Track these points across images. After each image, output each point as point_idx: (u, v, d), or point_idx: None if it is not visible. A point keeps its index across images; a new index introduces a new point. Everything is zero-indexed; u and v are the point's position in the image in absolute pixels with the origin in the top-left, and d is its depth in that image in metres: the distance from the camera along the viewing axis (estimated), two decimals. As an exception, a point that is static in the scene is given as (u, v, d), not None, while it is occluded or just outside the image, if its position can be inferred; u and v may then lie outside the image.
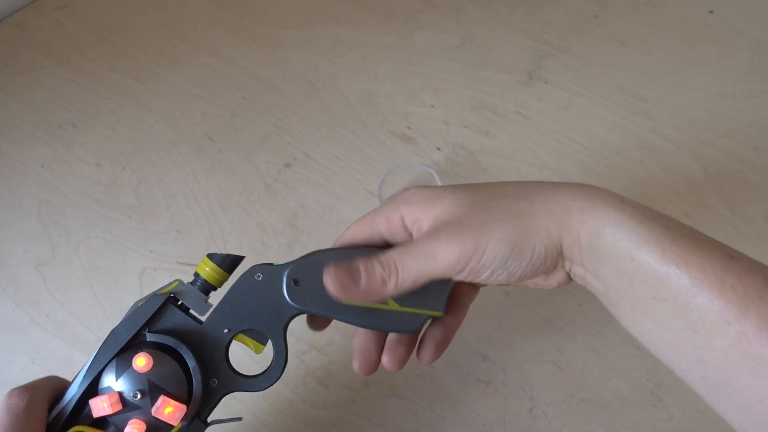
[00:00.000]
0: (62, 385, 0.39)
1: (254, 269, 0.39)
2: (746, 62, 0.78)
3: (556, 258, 0.38)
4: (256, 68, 0.78)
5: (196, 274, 0.40)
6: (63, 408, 0.37)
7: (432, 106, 0.75)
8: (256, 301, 0.39)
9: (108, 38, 0.82)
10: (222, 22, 0.83)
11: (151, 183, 0.69)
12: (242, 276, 0.39)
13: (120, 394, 0.36)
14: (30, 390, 0.37)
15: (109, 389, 0.37)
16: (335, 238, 0.44)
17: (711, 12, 0.83)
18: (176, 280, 0.40)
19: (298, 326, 0.60)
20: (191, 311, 0.40)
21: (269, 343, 0.41)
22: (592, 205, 0.38)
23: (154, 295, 0.39)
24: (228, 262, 0.40)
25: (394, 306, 0.40)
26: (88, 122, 0.74)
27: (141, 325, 0.38)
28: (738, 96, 0.75)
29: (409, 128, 0.73)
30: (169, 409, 0.36)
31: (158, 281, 0.63)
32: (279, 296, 0.39)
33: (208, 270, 0.40)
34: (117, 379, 0.36)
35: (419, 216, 0.39)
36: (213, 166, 0.71)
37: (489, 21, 0.83)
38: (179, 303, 0.40)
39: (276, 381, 0.40)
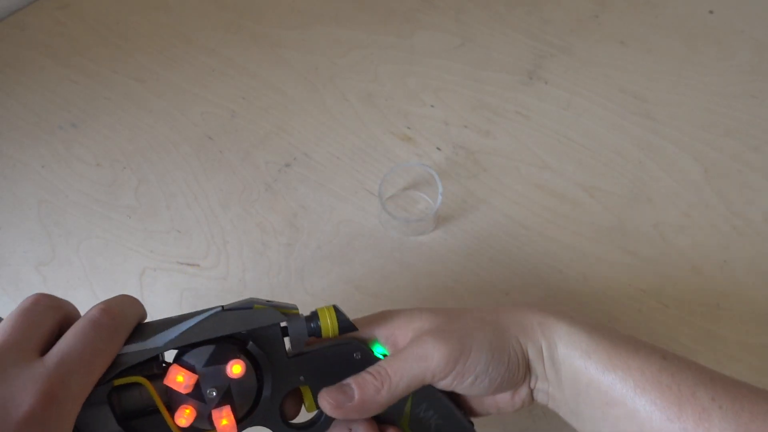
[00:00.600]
0: (141, 318, 0.38)
1: (357, 347, 0.40)
2: (746, 62, 0.78)
3: (525, 369, 0.40)
4: (256, 68, 0.78)
5: (315, 316, 0.40)
6: (139, 351, 0.35)
7: (432, 106, 0.75)
8: (339, 371, 0.40)
9: (108, 38, 0.82)
10: (222, 22, 0.83)
11: (151, 183, 0.69)
12: (345, 345, 0.40)
13: (198, 379, 0.35)
14: (119, 317, 0.36)
15: (191, 367, 0.36)
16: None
17: (711, 12, 0.83)
18: (296, 308, 0.40)
19: (298, 326, 0.60)
20: (286, 340, 0.39)
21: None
22: (547, 320, 0.41)
23: (274, 307, 0.38)
24: (345, 326, 0.40)
25: None
26: (88, 122, 0.74)
27: (249, 329, 0.37)
28: (738, 96, 0.75)
29: (409, 128, 0.73)
30: (224, 422, 0.36)
31: (158, 281, 0.63)
32: (352, 366, 0.40)
33: (328, 322, 0.40)
34: (204, 366, 0.36)
35: (394, 332, 0.42)
36: (213, 166, 0.71)
37: (489, 21, 0.83)
38: (283, 326, 0.39)
39: None
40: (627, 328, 0.60)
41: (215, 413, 0.36)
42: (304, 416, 0.42)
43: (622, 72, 0.78)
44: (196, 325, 0.36)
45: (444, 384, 0.40)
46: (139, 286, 0.63)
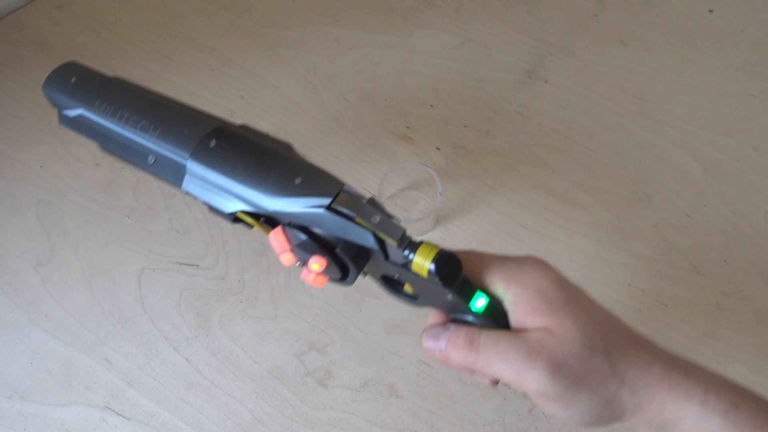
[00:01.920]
0: None
1: (446, 293, 0.38)
2: (746, 62, 0.78)
3: (619, 414, 0.36)
4: (255, 68, 0.78)
5: (414, 250, 0.38)
6: (256, 204, 0.39)
7: (432, 106, 0.75)
8: (434, 295, 0.39)
9: (106, 38, 0.81)
10: (221, 21, 0.83)
11: (150, 183, 0.69)
12: (439, 289, 0.38)
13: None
14: None
15: (288, 239, 0.39)
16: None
17: (711, 12, 0.83)
18: (404, 229, 0.39)
19: (298, 326, 0.60)
20: (388, 249, 0.39)
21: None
22: (677, 399, 0.36)
23: (382, 223, 0.38)
24: (442, 275, 0.38)
25: None
26: (86, 122, 0.74)
27: (339, 238, 0.39)
28: (738, 96, 0.75)
29: (408, 128, 0.73)
30: (315, 266, 0.39)
31: (157, 281, 0.63)
32: (448, 304, 0.39)
33: (423, 262, 0.37)
34: (295, 247, 0.39)
35: (529, 297, 0.38)
36: (212, 166, 0.71)
37: (488, 20, 0.83)
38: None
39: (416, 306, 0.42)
40: (627, 328, 0.60)
41: (305, 272, 0.40)
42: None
43: (622, 72, 0.78)
44: (299, 214, 0.39)
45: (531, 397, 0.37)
46: (137, 286, 0.63)
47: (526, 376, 0.35)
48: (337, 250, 0.38)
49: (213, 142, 0.41)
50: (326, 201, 0.38)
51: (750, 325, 0.60)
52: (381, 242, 0.38)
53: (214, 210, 0.41)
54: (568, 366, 0.35)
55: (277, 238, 0.39)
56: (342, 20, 0.83)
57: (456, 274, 0.38)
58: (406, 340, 0.60)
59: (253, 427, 0.55)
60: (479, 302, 0.39)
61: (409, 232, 0.39)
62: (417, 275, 0.38)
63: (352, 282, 0.41)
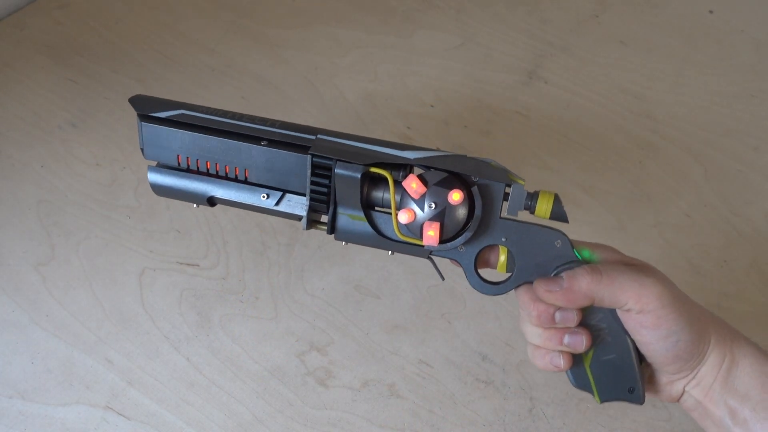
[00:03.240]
0: None
1: (560, 236, 0.44)
2: (746, 62, 0.78)
3: (698, 366, 0.42)
4: (256, 68, 0.78)
5: (536, 196, 0.44)
6: (394, 155, 0.44)
7: (432, 106, 0.75)
8: (538, 251, 0.44)
9: (108, 38, 0.82)
10: (222, 22, 0.83)
11: (151, 183, 0.69)
12: (550, 230, 0.44)
13: (426, 192, 0.43)
14: None
15: (425, 181, 0.43)
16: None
17: (711, 12, 0.83)
18: (523, 180, 0.44)
19: (298, 326, 0.60)
20: (507, 202, 0.44)
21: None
22: (738, 341, 0.43)
23: (507, 172, 0.43)
24: (557, 215, 0.44)
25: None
26: (87, 122, 0.74)
27: (479, 178, 0.43)
28: (738, 96, 0.75)
29: (409, 128, 0.73)
30: (431, 233, 0.42)
31: (158, 281, 0.63)
32: (552, 259, 0.44)
33: (545, 205, 0.43)
34: (435, 184, 0.43)
35: (611, 252, 0.44)
36: (213, 166, 0.71)
37: (489, 21, 0.83)
38: (506, 191, 0.44)
39: (494, 294, 0.45)
40: (627, 328, 0.60)
41: (426, 224, 0.43)
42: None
43: (622, 72, 0.78)
44: (442, 156, 0.44)
45: (642, 320, 0.41)
46: (138, 285, 0.63)
47: (646, 283, 0.40)
48: (474, 188, 0.43)
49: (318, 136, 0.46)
50: (461, 154, 0.44)
51: (750, 325, 0.60)
52: (508, 187, 0.44)
53: (342, 163, 0.44)
54: (671, 283, 0.42)
55: (413, 180, 0.43)
56: (342, 21, 0.83)
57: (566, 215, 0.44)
58: (406, 340, 0.60)
59: (254, 427, 0.55)
60: (582, 251, 0.44)
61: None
62: (531, 225, 0.43)
63: (457, 244, 0.44)
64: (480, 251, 0.45)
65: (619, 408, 0.55)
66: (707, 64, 0.78)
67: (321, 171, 0.45)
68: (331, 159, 0.44)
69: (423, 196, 0.43)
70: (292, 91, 0.76)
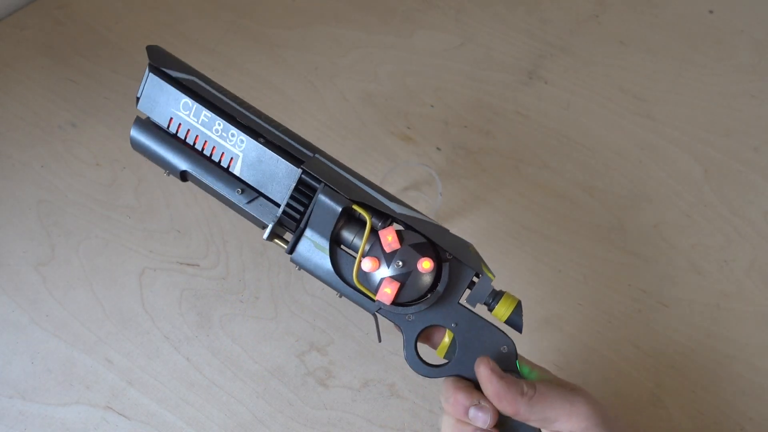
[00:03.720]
0: None
1: (509, 343, 0.43)
2: (746, 62, 0.78)
3: None
4: (256, 68, 0.78)
5: (500, 295, 0.43)
6: (381, 203, 0.43)
7: (432, 106, 0.75)
8: (482, 349, 0.43)
9: (108, 38, 0.82)
10: (222, 22, 0.83)
11: (151, 182, 0.69)
12: (502, 335, 0.43)
13: (398, 250, 0.42)
14: None
15: (401, 238, 0.42)
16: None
17: (711, 12, 0.83)
18: (493, 277, 0.44)
19: (298, 326, 0.61)
20: (471, 290, 0.44)
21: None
22: None
23: (482, 263, 0.43)
24: (513, 322, 0.43)
25: None
26: (87, 122, 0.74)
27: (454, 256, 0.43)
28: (738, 96, 0.75)
29: (409, 128, 0.73)
30: (387, 290, 0.42)
31: (158, 281, 0.63)
32: (494, 353, 0.43)
33: (504, 309, 0.43)
34: (410, 245, 0.42)
35: (562, 415, 0.42)
36: (213, 166, 0.71)
37: (489, 21, 0.83)
38: (474, 280, 0.44)
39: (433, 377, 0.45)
40: (627, 327, 0.60)
41: (387, 281, 0.42)
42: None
43: (622, 72, 0.78)
44: (425, 221, 0.43)
45: None
46: (138, 285, 0.63)
47: (577, 402, 0.40)
48: (447, 264, 0.42)
49: (316, 154, 0.45)
50: (446, 228, 0.44)
51: (750, 325, 0.60)
52: (477, 277, 0.43)
53: (329, 189, 0.43)
54: (600, 406, 0.41)
55: (391, 233, 0.42)
56: (342, 21, 0.83)
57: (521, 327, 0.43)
58: (407, 340, 0.60)
59: (254, 427, 0.55)
60: (524, 369, 0.44)
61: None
62: (486, 322, 0.43)
63: (406, 312, 0.43)
64: (426, 327, 0.43)
65: (619, 408, 0.55)
66: (707, 64, 0.78)
67: (305, 189, 0.43)
68: (319, 181, 0.43)
69: (394, 253, 0.42)
70: (292, 91, 0.76)
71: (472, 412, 0.41)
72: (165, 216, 0.67)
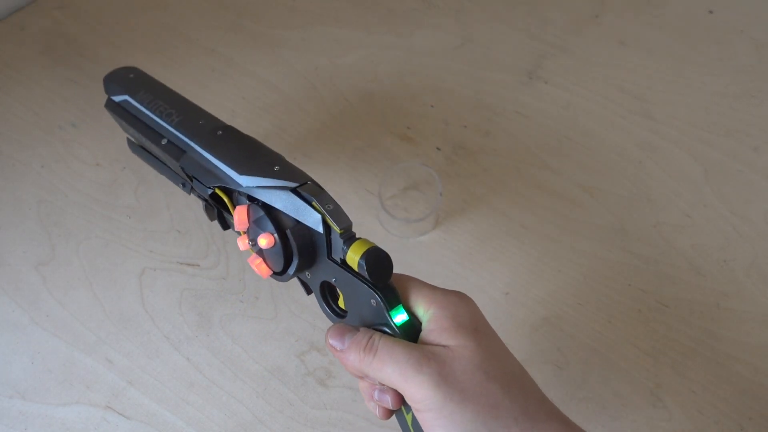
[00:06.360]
0: None
1: (373, 294, 0.40)
2: (746, 62, 0.78)
3: None
4: (256, 68, 0.78)
5: (351, 240, 0.41)
6: (234, 181, 0.45)
7: (432, 106, 0.75)
8: (360, 301, 0.42)
9: (108, 38, 0.82)
10: (222, 22, 0.83)
11: (151, 183, 0.69)
12: (368, 288, 0.41)
13: (249, 228, 0.45)
14: None
15: (249, 216, 0.44)
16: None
17: (711, 12, 0.83)
18: (351, 225, 0.42)
19: (298, 326, 0.61)
20: (331, 240, 0.42)
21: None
22: None
23: (332, 217, 0.41)
24: (361, 270, 0.40)
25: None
26: (87, 122, 0.74)
27: (295, 220, 0.43)
28: (738, 96, 0.75)
29: (409, 128, 0.73)
30: (258, 263, 0.45)
31: (158, 281, 0.63)
32: (372, 315, 0.41)
33: (353, 256, 0.40)
34: (252, 221, 0.44)
35: (442, 318, 0.38)
36: (213, 166, 0.71)
37: (489, 21, 0.83)
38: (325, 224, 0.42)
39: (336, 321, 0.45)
40: (627, 327, 0.60)
41: (252, 257, 0.45)
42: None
43: (622, 72, 0.78)
44: (266, 192, 0.43)
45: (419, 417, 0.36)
46: (138, 286, 0.63)
47: (411, 381, 0.35)
48: (288, 231, 0.42)
49: (220, 133, 0.49)
50: (293, 185, 0.43)
51: (750, 325, 0.60)
52: (328, 231, 0.42)
53: (197, 186, 0.48)
54: (456, 379, 0.35)
55: (240, 213, 0.44)
56: (342, 21, 0.83)
57: (385, 275, 0.40)
58: (407, 340, 0.60)
59: (254, 427, 0.55)
60: (400, 317, 0.40)
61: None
62: (349, 271, 0.41)
63: (290, 276, 0.44)
64: (323, 282, 0.44)
65: (619, 408, 0.55)
66: (707, 64, 0.78)
67: (190, 181, 0.50)
68: (189, 177, 0.49)
69: (247, 231, 0.43)
70: (293, 92, 0.76)
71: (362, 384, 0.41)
72: (165, 216, 0.67)
